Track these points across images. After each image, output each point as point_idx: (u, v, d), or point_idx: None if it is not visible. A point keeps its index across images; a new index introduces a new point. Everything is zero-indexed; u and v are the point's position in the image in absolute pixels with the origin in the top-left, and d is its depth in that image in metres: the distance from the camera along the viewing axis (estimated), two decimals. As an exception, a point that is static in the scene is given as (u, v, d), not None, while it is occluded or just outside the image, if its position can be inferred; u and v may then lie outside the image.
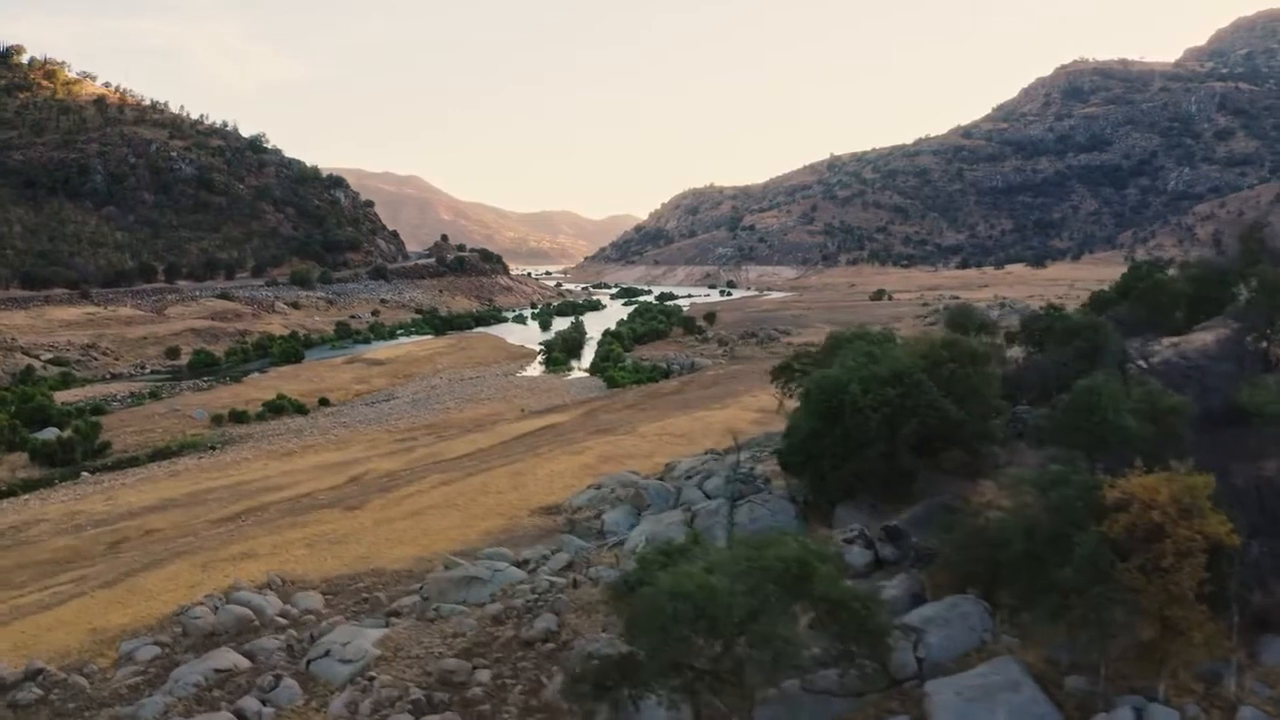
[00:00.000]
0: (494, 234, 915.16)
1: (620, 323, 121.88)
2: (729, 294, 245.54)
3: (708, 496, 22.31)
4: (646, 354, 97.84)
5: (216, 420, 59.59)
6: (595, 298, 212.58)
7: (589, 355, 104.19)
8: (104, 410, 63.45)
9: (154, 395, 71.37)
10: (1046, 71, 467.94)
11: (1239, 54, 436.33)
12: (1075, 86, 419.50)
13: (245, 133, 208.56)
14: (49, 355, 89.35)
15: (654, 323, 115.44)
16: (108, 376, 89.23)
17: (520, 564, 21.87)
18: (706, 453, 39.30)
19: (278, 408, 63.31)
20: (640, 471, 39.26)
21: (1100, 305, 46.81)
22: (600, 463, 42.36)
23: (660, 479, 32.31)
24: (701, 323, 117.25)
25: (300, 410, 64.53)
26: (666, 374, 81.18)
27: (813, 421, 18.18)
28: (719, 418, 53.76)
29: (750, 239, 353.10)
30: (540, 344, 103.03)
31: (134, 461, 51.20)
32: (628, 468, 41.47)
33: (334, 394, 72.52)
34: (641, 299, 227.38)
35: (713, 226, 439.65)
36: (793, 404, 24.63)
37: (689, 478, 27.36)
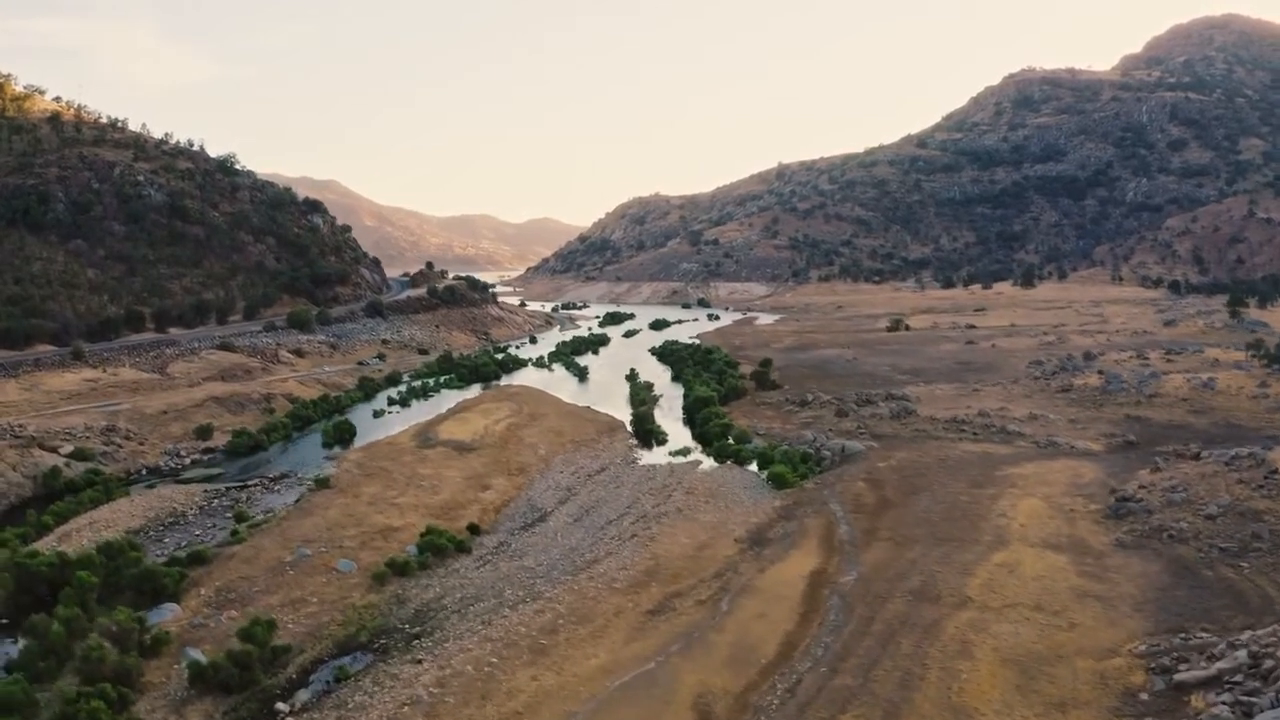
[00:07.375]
0: (419, 240, 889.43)
1: (694, 376, 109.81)
2: (716, 317, 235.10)
3: None
4: (747, 422, 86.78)
5: (377, 579, 46.48)
6: (597, 331, 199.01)
7: (659, 413, 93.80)
8: (205, 557, 49.65)
9: (242, 518, 57.64)
10: (993, 80, 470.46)
11: (1178, 61, 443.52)
12: (1025, 96, 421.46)
13: (195, 146, 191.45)
14: (68, 447, 74.35)
15: (731, 380, 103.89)
16: (142, 471, 74.71)
17: None
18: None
19: (438, 547, 50.36)
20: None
21: None
22: (1024, 676, 31.71)
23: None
24: (750, 371, 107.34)
25: (459, 546, 51.71)
26: (819, 461, 70.15)
27: None
28: (1034, 566, 43.31)
29: (715, 254, 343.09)
30: (631, 417, 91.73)
31: (319, 663, 38.21)
32: (1072, 695, 30.79)
33: (467, 511, 59.70)
34: (627, 324, 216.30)
35: (661, 237, 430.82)
36: None
37: None
